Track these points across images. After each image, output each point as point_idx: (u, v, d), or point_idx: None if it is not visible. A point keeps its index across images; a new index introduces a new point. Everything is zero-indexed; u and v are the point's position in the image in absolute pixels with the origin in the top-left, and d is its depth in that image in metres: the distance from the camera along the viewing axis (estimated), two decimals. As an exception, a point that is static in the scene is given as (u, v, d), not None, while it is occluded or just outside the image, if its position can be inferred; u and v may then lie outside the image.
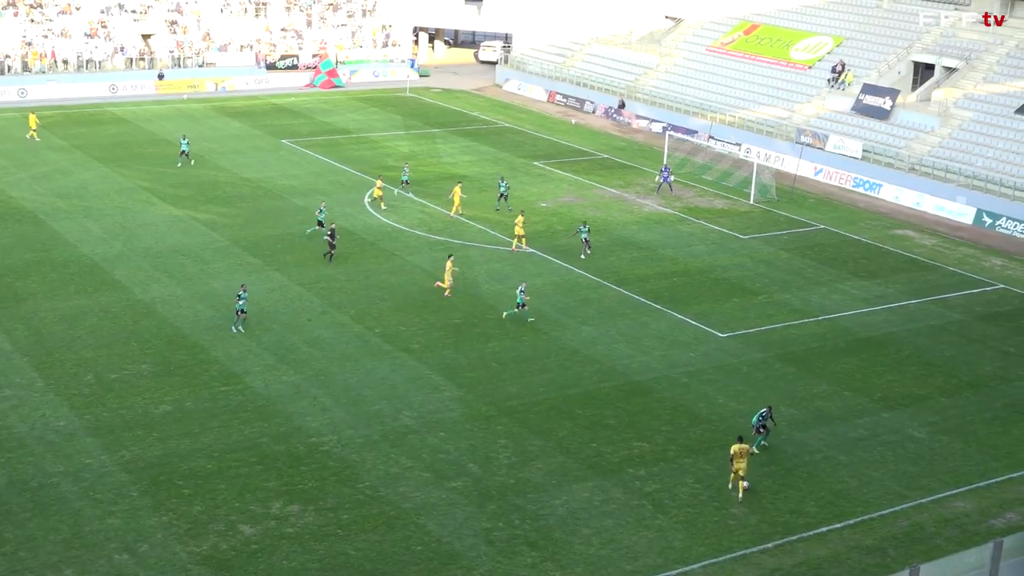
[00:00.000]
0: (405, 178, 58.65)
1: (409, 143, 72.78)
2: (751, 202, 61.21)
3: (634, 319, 42.99)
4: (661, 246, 52.63)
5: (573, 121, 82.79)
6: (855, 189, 65.96)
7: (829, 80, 75.03)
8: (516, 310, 42.13)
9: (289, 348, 38.94)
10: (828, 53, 77.45)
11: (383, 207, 55.69)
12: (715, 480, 31.28)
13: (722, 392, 36.91)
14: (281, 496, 29.63)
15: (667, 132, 71.95)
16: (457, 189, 55.87)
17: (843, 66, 74.76)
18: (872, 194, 64.92)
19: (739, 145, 72.62)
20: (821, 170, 68.27)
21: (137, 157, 65.80)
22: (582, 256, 49.57)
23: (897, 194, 63.81)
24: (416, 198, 58.66)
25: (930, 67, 72.92)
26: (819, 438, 34.18)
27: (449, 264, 44.29)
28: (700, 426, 34.61)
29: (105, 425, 32.63)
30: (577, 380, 37.43)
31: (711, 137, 73.93)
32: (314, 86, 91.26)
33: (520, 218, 50.55)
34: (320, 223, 50.78)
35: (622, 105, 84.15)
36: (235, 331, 39.19)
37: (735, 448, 30.16)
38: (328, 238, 47.73)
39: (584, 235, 50.14)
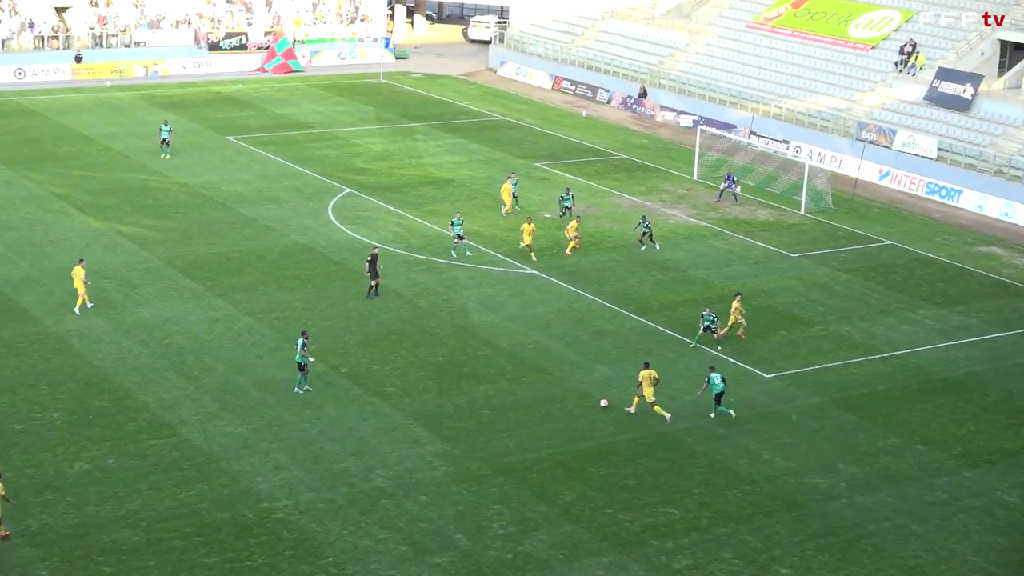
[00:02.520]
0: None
1: (383, 140, 73.01)
2: (802, 212, 61.41)
3: (659, 356, 42.99)
4: (692, 266, 52.74)
5: (584, 113, 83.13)
6: (929, 196, 66.21)
7: (896, 63, 75.48)
8: (703, 333, 43.13)
9: (235, 392, 38.94)
10: (895, 30, 77.93)
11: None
12: (759, 555, 31.23)
13: (767, 445, 36.88)
14: None
15: (698, 127, 72.27)
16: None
17: (913, 46, 75.20)
18: (950, 202, 65.16)
19: (787, 143, 72.87)
20: (887, 173, 68.54)
21: (49, 157, 65.99)
22: (644, 248, 52.23)
23: (980, 202, 64.06)
24: (393, 208, 58.86)
25: (1021, 47, 73.32)
26: (887, 502, 34.15)
27: (736, 304, 43.73)
28: (740, 488, 34.56)
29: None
30: (589, 431, 37.40)
31: (752, 133, 74.22)
32: (266, 71, 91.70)
33: (528, 225, 51.36)
34: (459, 236, 50.59)
35: (643, 94, 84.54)
36: (300, 392, 38.65)
37: (642, 374, 37.09)
38: (369, 262, 46.53)
39: (644, 229, 52.36)
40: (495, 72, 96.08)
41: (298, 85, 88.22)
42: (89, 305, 45.13)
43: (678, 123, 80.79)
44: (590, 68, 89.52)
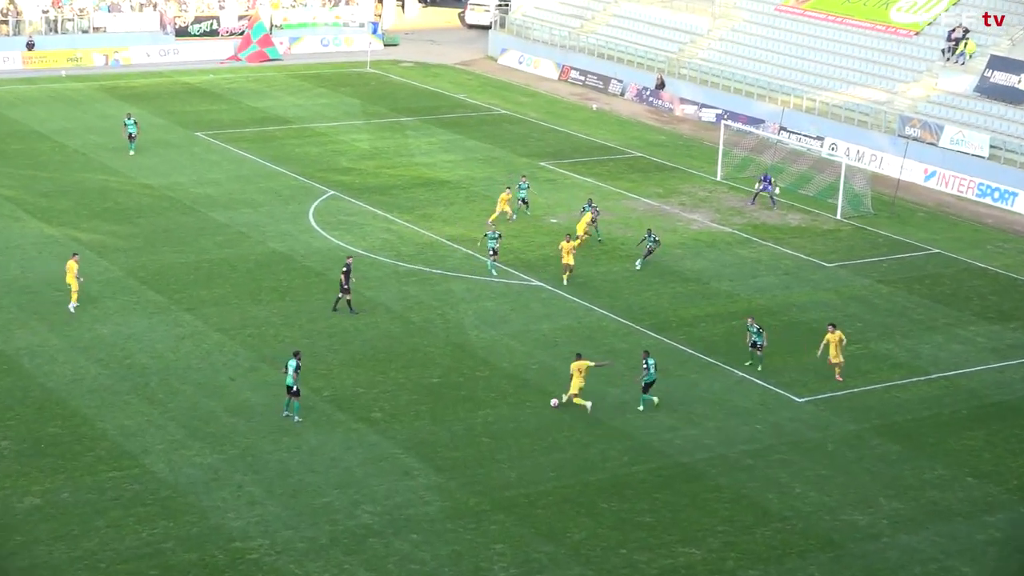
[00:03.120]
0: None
1: (370, 137, 73.05)
2: (838, 217, 61.41)
3: (679, 377, 42.98)
4: (715, 277, 52.75)
5: (594, 107, 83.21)
6: (980, 199, 66.22)
7: (944, 51, 75.55)
8: (756, 352, 43.02)
9: (204, 417, 38.91)
10: (943, 12, 78.00)
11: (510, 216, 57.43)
12: (791, 600, 31.16)
13: (799, 478, 36.84)
14: (192, 623, 29.53)
15: (722, 122, 72.32)
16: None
17: (964, 31, 75.29)
18: (1003, 206, 65.17)
19: (821, 139, 72.87)
20: (934, 173, 68.56)
21: (-3, 156, 66.21)
22: (640, 267, 51.52)
23: (1038, 206, 64.18)
24: (382, 212, 58.87)
25: (1081, 33, 73.50)
26: (934, 542, 34.08)
27: (834, 338, 42.26)
28: (770, 525, 34.50)
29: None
30: (600, 462, 37.37)
31: (782, 129, 74.24)
32: (240, 59, 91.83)
33: (567, 243, 50.27)
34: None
35: (661, 85, 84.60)
36: (292, 418, 38.62)
37: (574, 365, 39.41)
38: (344, 273, 46.65)
39: (650, 244, 51.85)
40: (495, 61, 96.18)
41: (275, 75, 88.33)
42: (73, 306, 45.87)
43: (699, 118, 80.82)
44: (601, 56, 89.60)
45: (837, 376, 42.89)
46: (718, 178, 67.01)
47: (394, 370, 42.70)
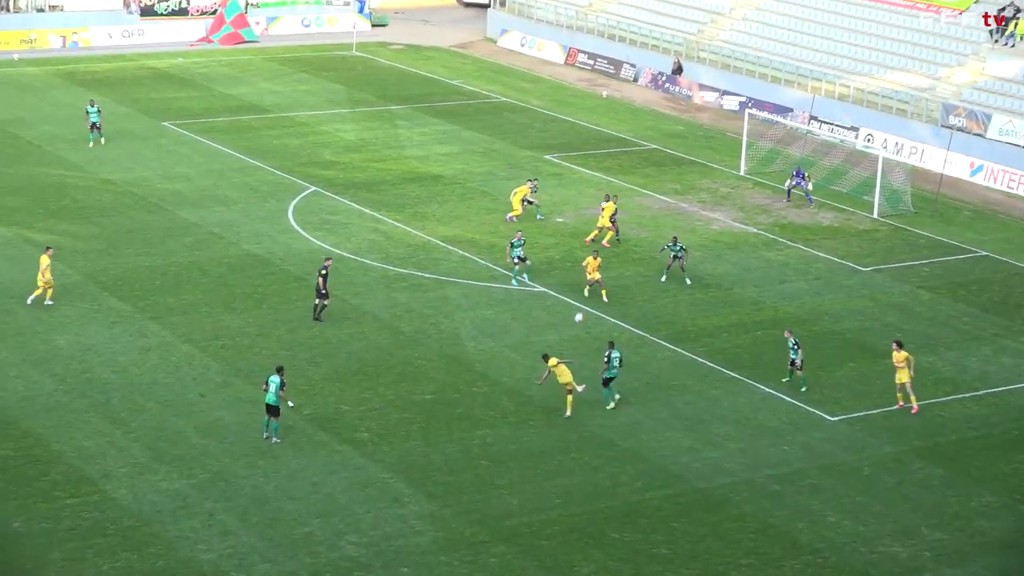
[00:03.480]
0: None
1: (356, 127, 73.04)
2: (875, 216, 61.39)
3: (698, 394, 42.94)
4: (739, 282, 52.70)
5: (604, 93, 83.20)
6: (1032, 196, 66.32)
7: (992, 32, 75.55)
8: (794, 371, 42.92)
9: (172, 438, 38.83)
10: (989, -9, 78.01)
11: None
12: (823, 641, 31.09)
13: (832, 506, 36.77)
14: (158, 666, 29.47)
15: (746, 111, 72.29)
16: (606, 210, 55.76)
17: (1015, 11, 75.26)
18: (1058, 204, 65.21)
19: (855, 130, 72.83)
20: (980, 167, 68.51)
21: (-57, 148, 66.19)
22: (664, 279, 51.39)
23: (1096, 204, 64.15)
24: (369, 210, 58.84)
25: None
26: (982, 576, 34.11)
27: (900, 357, 41.44)
28: (799, 558, 34.41)
29: None
30: (611, 487, 37.31)
31: (813, 118, 74.22)
32: (212, 41, 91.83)
33: (593, 260, 49.91)
34: (520, 259, 50.60)
35: (678, 70, 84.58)
36: (275, 440, 38.72)
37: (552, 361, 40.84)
38: (321, 277, 46.89)
39: (675, 253, 51.24)
40: (494, 43, 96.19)
41: (251, 59, 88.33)
42: (48, 303, 46.58)
43: (721, 106, 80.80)
44: (612, 38, 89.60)
45: (912, 406, 41.88)
46: (741, 173, 67.02)
47: (382, 386, 42.63)
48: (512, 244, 51.15)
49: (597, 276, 49.95)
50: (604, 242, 54.98)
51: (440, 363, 44.35)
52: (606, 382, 41.52)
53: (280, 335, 46.00)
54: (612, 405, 41.59)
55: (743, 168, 67.29)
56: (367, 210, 58.95)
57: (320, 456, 38.14)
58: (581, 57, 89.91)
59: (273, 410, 38.45)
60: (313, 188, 61.65)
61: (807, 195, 62.35)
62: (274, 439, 38.56)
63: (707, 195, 63.48)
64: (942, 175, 66.77)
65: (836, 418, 41.72)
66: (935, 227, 60.49)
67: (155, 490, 36.04)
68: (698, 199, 62.69)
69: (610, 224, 54.96)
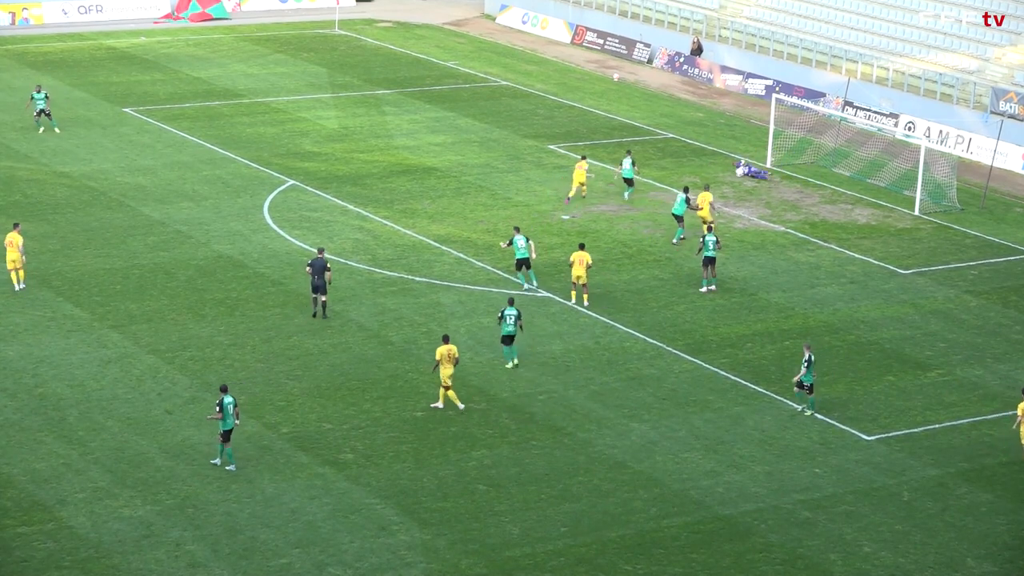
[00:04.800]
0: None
1: (339, 114, 73.08)
2: (916, 213, 61.45)
3: (719, 411, 42.99)
4: (764, 287, 52.77)
5: (615, 77, 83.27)
6: (1092, 191, 66.38)
7: (1046, 8, 75.68)
8: (804, 392, 42.68)
9: (135, 460, 38.86)
10: (1044, -38, 78.11)
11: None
12: None
13: (869, 534, 36.84)
14: None
15: (773, 96, 72.35)
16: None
17: (1069, -16, 75.45)
18: (1121, 199, 65.29)
19: (895, 117, 72.87)
20: (1034, 159, 68.69)
21: None
22: (710, 289, 51.32)
23: None
24: (353, 206, 58.91)
25: None
26: (1035, 613, 34.15)
27: None
28: (832, 593, 34.57)
29: None
30: (624, 514, 37.38)
31: (847, 104, 74.28)
32: (180, 18, 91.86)
33: (580, 255, 49.69)
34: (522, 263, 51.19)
35: (698, 50, 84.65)
36: (230, 467, 38.76)
37: (441, 350, 41.69)
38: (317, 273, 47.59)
39: (709, 251, 50.98)
40: (494, 20, 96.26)
41: (222, 38, 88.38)
42: (20, 286, 48.00)
43: (745, 90, 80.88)
44: (624, 15, 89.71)
45: None
46: (768, 164, 67.10)
47: (369, 401, 42.70)
48: (512, 242, 50.90)
49: (583, 275, 49.19)
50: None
51: (432, 377, 44.37)
52: (504, 339, 44.37)
53: (255, 345, 46.07)
54: (512, 364, 44.62)
55: (770, 160, 67.38)
56: (351, 206, 59.00)
57: (300, 479, 38.17)
58: (590, 36, 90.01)
59: (226, 435, 38.29)
60: (291, 182, 61.73)
61: (758, 173, 63.89)
62: (230, 466, 38.44)
63: (730, 189, 63.56)
64: (991, 167, 66.80)
65: (873, 437, 41.77)
66: (983, 225, 60.54)
67: (116, 517, 36.07)
68: (720, 194, 62.71)
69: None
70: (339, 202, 59.50)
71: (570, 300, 50.06)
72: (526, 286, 50.97)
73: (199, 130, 68.81)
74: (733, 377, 45.20)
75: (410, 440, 40.52)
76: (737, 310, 50.51)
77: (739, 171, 64.87)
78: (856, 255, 56.25)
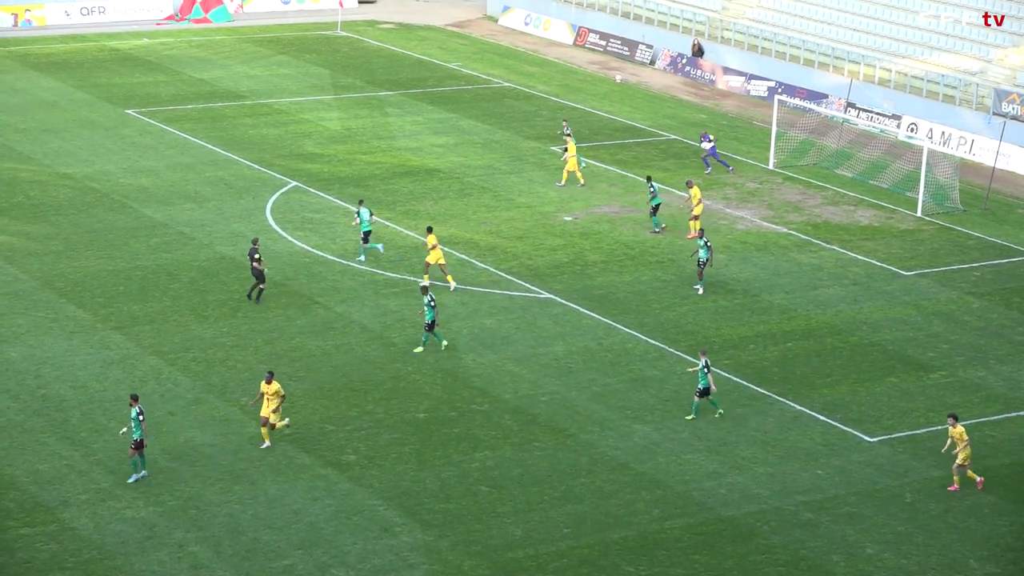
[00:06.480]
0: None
1: (342, 116, 73.08)
2: (919, 214, 61.42)
3: (723, 412, 43.15)
4: (767, 288, 52.79)
5: (618, 78, 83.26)
6: (1095, 192, 66.35)
7: (1049, 9, 75.66)
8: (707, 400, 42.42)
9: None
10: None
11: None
12: None
13: (872, 536, 36.86)
14: None
15: (776, 97, 72.34)
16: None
17: (1072, -15, 75.43)
18: (1123, 200, 65.25)
19: (897, 118, 72.84)
20: (1037, 160, 68.68)
21: None
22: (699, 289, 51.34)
23: None
24: (356, 208, 58.98)
25: None
26: (1038, 615, 34.16)
27: (956, 433, 38.57)
28: (835, 594, 34.61)
29: None
30: (627, 515, 37.39)
31: (850, 105, 74.25)
32: (181, 19, 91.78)
33: (429, 237, 50.82)
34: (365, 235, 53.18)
35: (699, 52, 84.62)
36: (139, 475, 38.58)
37: (266, 387, 39.39)
38: (257, 267, 48.66)
39: (704, 254, 50.90)
40: (496, 21, 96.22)
41: (225, 39, 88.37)
42: None
43: (747, 91, 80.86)
44: (626, 16, 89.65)
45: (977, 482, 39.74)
46: (770, 166, 67.10)
47: (371, 403, 42.73)
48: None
49: (435, 260, 50.47)
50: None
51: (435, 378, 44.41)
52: (429, 327, 45.23)
53: (257, 346, 46.10)
54: (444, 344, 45.85)
55: (772, 161, 67.38)
56: (354, 207, 58.98)
57: (302, 481, 38.21)
58: (592, 37, 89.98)
59: (140, 445, 37.62)
60: (294, 183, 61.74)
61: (719, 160, 64.65)
62: (140, 474, 37.70)
63: (732, 191, 63.55)
64: (994, 169, 66.75)
65: (875, 439, 41.77)
66: (986, 227, 60.53)
67: (119, 519, 36.09)
68: (722, 195, 62.75)
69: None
70: (342, 203, 59.45)
71: (431, 283, 50.49)
72: (381, 246, 53.44)
73: (202, 132, 68.83)
74: (735, 379, 45.21)
75: (413, 441, 40.54)
76: (739, 311, 50.53)
77: (705, 144, 65.34)
78: (859, 256, 56.25)
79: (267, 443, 39.42)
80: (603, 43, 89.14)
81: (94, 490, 37.33)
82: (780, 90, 75.97)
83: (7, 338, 45.93)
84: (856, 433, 42.06)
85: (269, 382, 39.23)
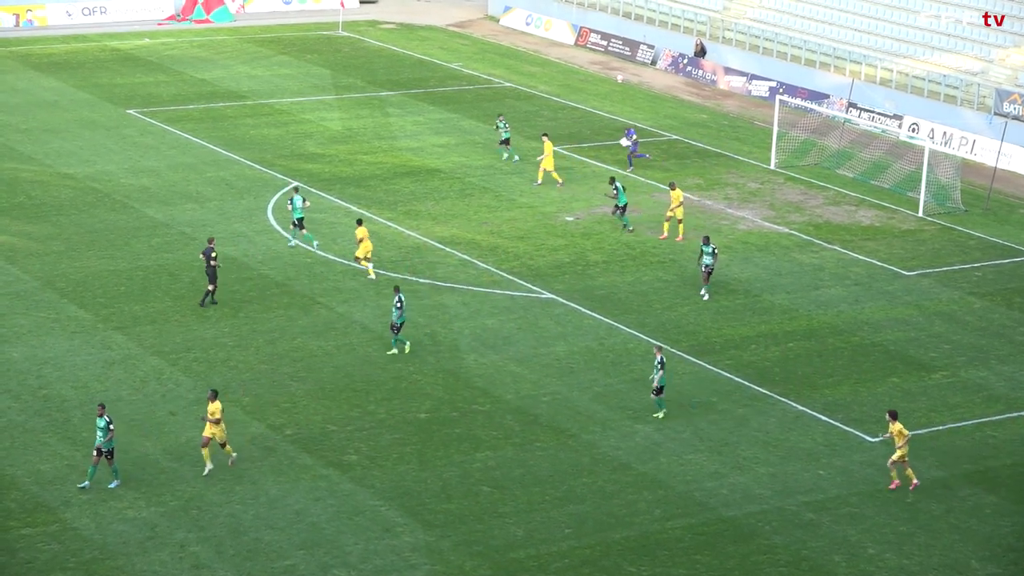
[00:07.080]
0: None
1: (343, 116, 73.11)
2: (920, 214, 61.44)
3: (723, 412, 43.04)
4: (769, 288, 52.81)
5: (619, 78, 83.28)
6: (1096, 192, 66.36)
7: (1050, 9, 75.66)
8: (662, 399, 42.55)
9: (139, 462, 38.91)
10: (1048, -36, 78.09)
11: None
12: None
13: (873, 536, 36.87)
14: None
15: (777, 97, 72.35)
16: None
17: (1073, -14, 75.43)
18: (1125, 201, 65.26)
19: (899, 118, 72.86)
20: (1038, 160, 68.69)
21: None
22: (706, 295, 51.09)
23: None
24: (357, 208, 58.94)
25: None
26: (1040, 616, 34.17)
27: (895, 429, 38.37)
28: (836, 595, 34.60)
29: None
30: (628, 515, 37.41)
31: (851, 105, 74.27)
32: (184, 19, 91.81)
33: (361, 229, 51.41)
34: (297, 222, 53.59)
35: (701, 51, 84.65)
36: (112, 482, 38.53)
37: (212, 407, 37.99)
38: (213, 264, 48.72)
39: (707, 255, 50.67)
40: (497, 21, 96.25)
41: (226, 39, 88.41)
42: None
43: (749, 92, 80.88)
44: (627, 16, 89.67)
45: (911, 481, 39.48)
46: (772, 166, 67.12)
47: (373, 403, 42.76)
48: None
49: (365, 252, 51.14)
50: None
51: (437, 378, 44.43)
52: (394, 328, 45.28)
53: (259, 346, 46.12)
54: (407, 347, 45.68)
55: (773, 161, 67.39)
56: (355, 207, 59.00)
57: (304, 481, 38.23)
58: (593, 37, 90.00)
59: (109, 454, 37.28)
60: (295, 183, 61.73)
61: (639, 155, 65.48)
62: (84, 483, 37.44)
63: (734, 191, 63.57)
64: (995, 169, 66.77)
65: (877, 439, 41.72)
66: (987, 227, 60.55)
67: (120, 519, 36.12)
68: (724, 195, 62.77)
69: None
70: (343, 204, 59.49)
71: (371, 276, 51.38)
72: (315, 243, 53.77)
73: (203, 132, 68.85)
74: (737, 379, 45.23)
75: (414, 442, 40.56)
76: (741, 312, 50.54)
77: (624, 142, 65.69)
78: (860, 257, 56.26)
79: (209, 466, 38.14)
80: (604, 43, 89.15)
81: (95, 490, 37.33)
82: (781, 90, 75.98)
83: (9, 338, 45.97)
84: (857, 433, 42.08)
85: (212, 400, 37.96)
